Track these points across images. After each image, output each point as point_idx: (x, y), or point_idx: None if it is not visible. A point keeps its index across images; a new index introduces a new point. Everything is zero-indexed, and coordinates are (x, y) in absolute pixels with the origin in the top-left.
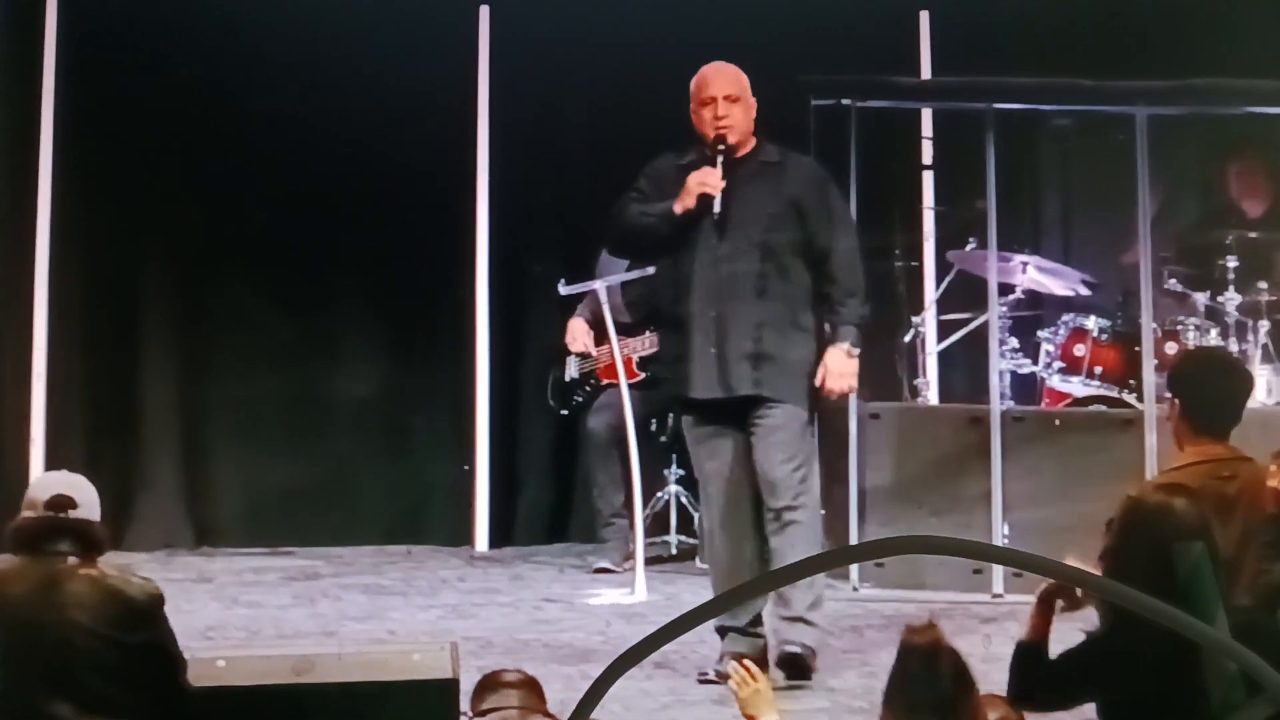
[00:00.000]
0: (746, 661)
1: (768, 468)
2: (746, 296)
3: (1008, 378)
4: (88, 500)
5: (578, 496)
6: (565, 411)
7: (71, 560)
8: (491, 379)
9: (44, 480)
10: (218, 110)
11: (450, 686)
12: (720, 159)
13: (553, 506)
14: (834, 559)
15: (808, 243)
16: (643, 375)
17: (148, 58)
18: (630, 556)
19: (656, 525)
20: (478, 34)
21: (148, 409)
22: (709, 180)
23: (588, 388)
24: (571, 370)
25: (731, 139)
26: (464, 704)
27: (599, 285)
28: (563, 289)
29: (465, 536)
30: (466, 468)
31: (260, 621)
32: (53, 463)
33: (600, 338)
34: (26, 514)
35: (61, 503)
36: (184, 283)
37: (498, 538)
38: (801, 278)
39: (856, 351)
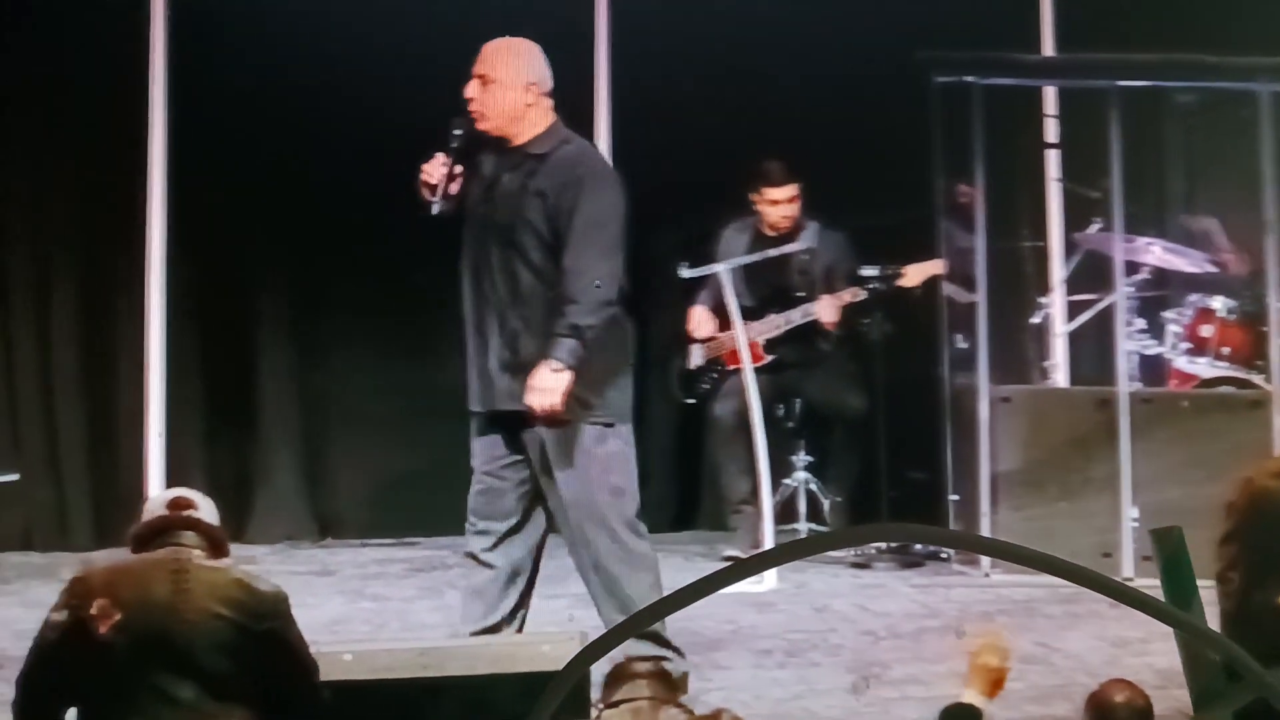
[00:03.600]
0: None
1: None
2: (502, 301)
3: (1135, 359)
4: (206, 506)
5: (704, 484)
6: (691, 400)
7: (196, 552)
8: None
9: (162, 491)
10: (332, 96)
11: (581, 677)
12: (454, 145)
13: (680, 494)
14: (803, 548)
15: (554, 243)
16: (769, 358)
17: (261, 44)
18: (758, 544)
19: (785, 512)
20: (594, 16)
21: (267, 400)
22: (426, 169)
23: (714, 374)
24: (695, 358)
25: (480, 124)
26: (594, 695)
27: (720, 269)
28: (684, 273)
29: None
30: None
31: (385, 615)
32: (173, 456)
33: (724, 323)
34: (147, 517)
35: (182, 504)
36: (302, 273)
37: None
38: (555, 282)
39: (561, 366)
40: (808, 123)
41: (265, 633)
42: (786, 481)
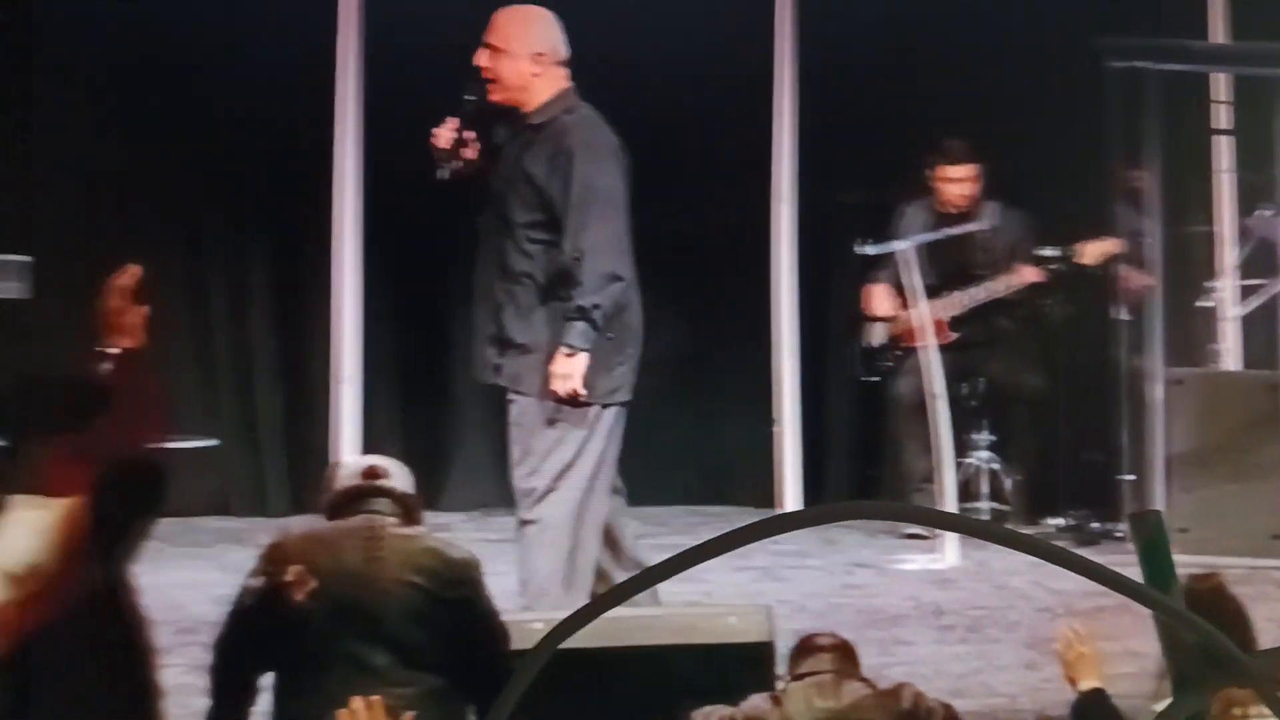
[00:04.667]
0: (1075, 624)
1: (511, 472)
2: (492, 274)
3: None
4: (400, 474)
5: (886, 461)
6: (872, 378)
7: (390, 520)
8: (798, 341)
9: (356, 459)
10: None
11: (766, 650)
12: (465, 108)
13: (861, 471)
14: (771, 526)
15: (549, 219)
16: (954, 336)
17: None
18: None
19: (966, 491)
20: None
21: (460, 369)
22: (435, 133)
23: (895, 353)
24: (876, 336)
25: (492, 93)
26: (779, 667)
27: (902, 246)
28: (864, 250)
29: (775, 499)
30: (775, 428)
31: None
32: (369, 423)
33: (904, 300)
34: (341, 485)
35: (376, 472)
36: None
37: (808, 501)
38: (545, 258)
39: (573, 350)
40: (986, 101)
41: (457, 600)
42: (967, 460)
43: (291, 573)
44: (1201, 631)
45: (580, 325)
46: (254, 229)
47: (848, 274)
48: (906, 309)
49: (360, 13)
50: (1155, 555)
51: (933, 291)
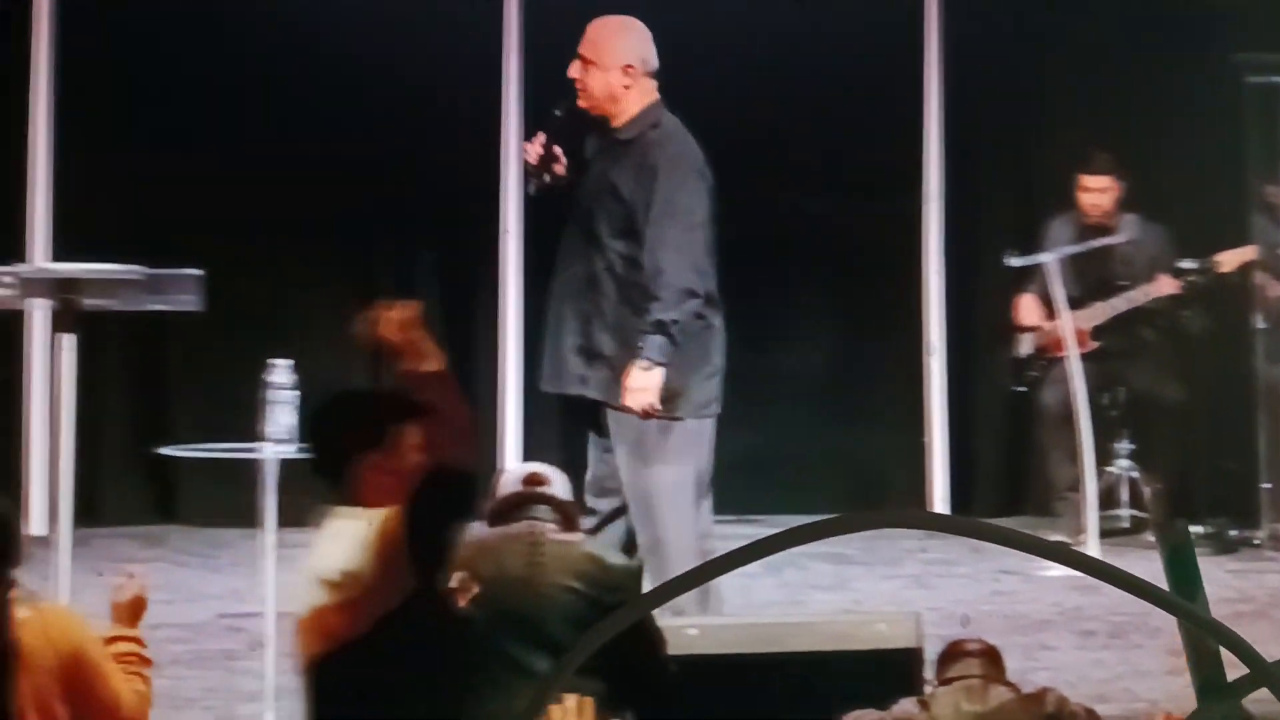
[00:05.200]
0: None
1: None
2: (579, 285)
3: None
4: (561, 481)
5: (1033, 469)
6: (1020, 388)
7: (550, 527)
8: (945, 350)
9: (518, 466)
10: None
11: (914, 656)
12: (554, 125)
13: (1008, 479)
14: (786, 539)
15: (633, 233)
16: (1095, 345)
17: None
18: (1081, 531)
19: (1108, 499)
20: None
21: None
22: (526, 147)
23: (1041, 362)
24: (1024, 346)
25: (582, 103)
26: (927, 673)
27: (1048, 258)
28: (1012, 262)
29: (924, 506)
30: (925, 440)
31: (729, 590)
32: (529, 431)
33: (1049, 311)
34: (503, 492)
35: (536, 479)
36: None
37: (956, 510)
38: (628, 271)
39: (650, 363)
40: (1125, 117)
41: (615, 606)
42: (1109, 469)
43: (455, 578)
44: (1227, 639)
45: (658, 339)
46: (423, 248)
47: (995, 285)
48: (1051, 320)
49: (520, 31)
50: (1181, 563)
51: (1075, 302)
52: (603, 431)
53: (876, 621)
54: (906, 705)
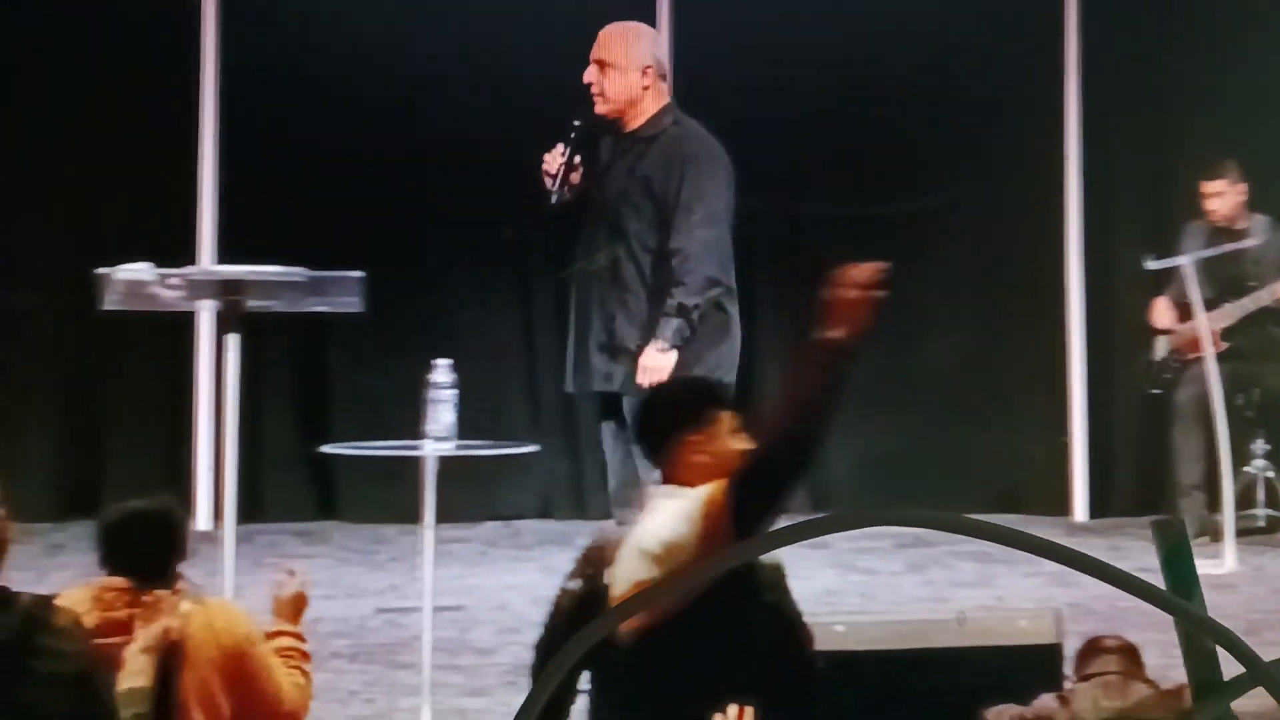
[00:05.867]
0: None
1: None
2: (604, 284)
3: None
4: None
5: (1169, 470)
6: (1156, 390)
7: None
8: (1085, 352)
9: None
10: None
11: (1054, 652)
12: (573, 133)
13: (1147, 479)
14: (790, 535)
15: (661, 224)
16: (1225, 346)
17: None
18: (1205, 530)
19: (1245, 498)
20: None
21: (764, 383)
22: (546, 159)
23: (1176, 364)
24: (1159, 349)
25: (600, 108)
26: (1067, 669)
27: (1184, 261)
28: (1150, 265)
29: (1064, 507)
30: (1063, 439)
31: (874, 587)
32: None
33: (1182, 314)
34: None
35: None
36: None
37: (1097, 508)
38: (656, 264)
39: (666, 345)
40: (1252, 119)
41: (773, 604)
42: (1246, 469)
43: (608, 575)
44: (1224, 638)
45: (676, 323)
46: (571, 239)
47: (1134, 287)
48: (1183, 322)
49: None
50: (1178, 562)
51: (1206, 304)
52: (625, 425)
53: (1018, 618)
54: (1046, 701)
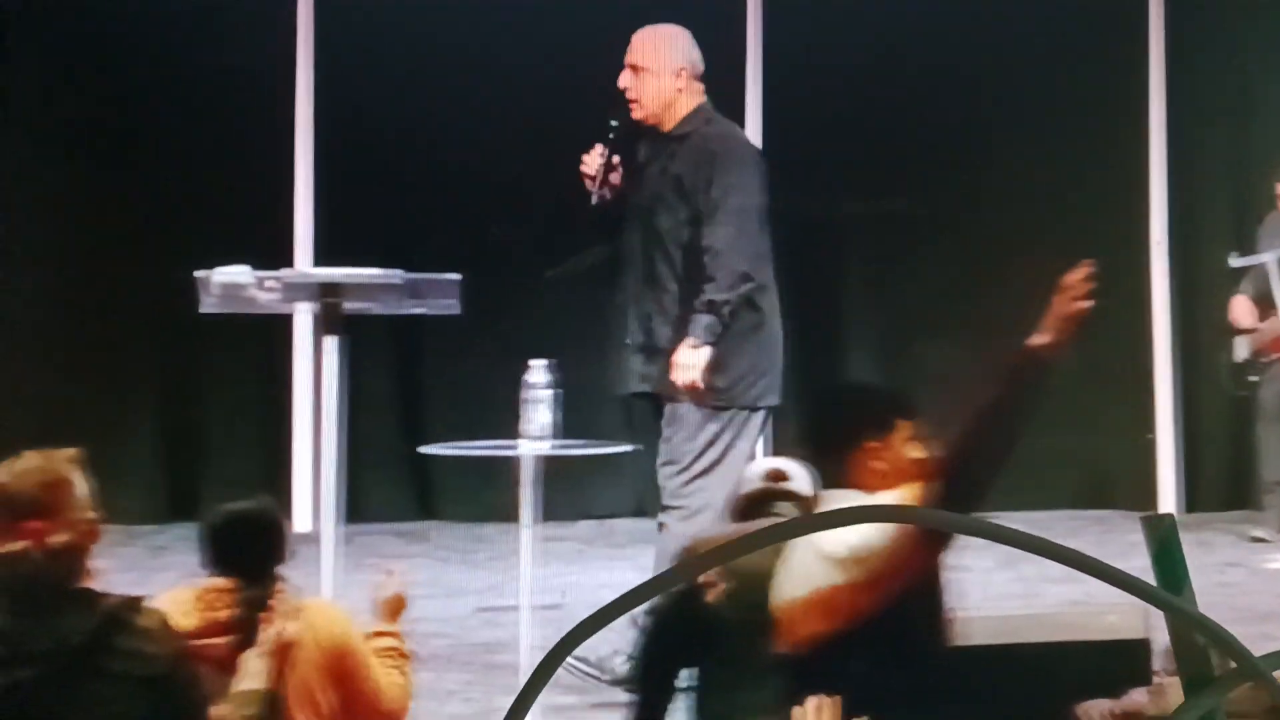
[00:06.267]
0: None
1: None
2: (639, 285)
3: None
4: (800, 476)
5: (1254, 466)
6: (1241, 394)
7: None
8: (1171, 349)
9: (761, 461)
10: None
11: (1144, 647)
12: (611, 134)
13: (1233, 475)
14: (787, 530)
15: (694, 223)
16: None
17: None
18: None
19: None
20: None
21: (856, 373)
22: (585, 160)
23: (1261, 362)
24: (1239, 350)
25: (635, 113)
26: (1157, 663)
27: (1267, 258)
28: (1233, 262)
29: (1151, 503)
30: (1150, 436)
31: (967, 584)
32: (777, 426)
33: (1264, 312)
34: (747, 488)
35: (779, 475)
36: (884, 255)
37: (1190, 504)
38: (690, 262)
39: (699, 342)
40: None
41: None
42: None
43: (706, 575)
44: (1213, 633)
45: (707, 319)
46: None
47: (1217, 284)
48: (1264, 320)
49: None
50: (1168, 557)
51: None
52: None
53: (1107, 613)
54: (1137, 696)
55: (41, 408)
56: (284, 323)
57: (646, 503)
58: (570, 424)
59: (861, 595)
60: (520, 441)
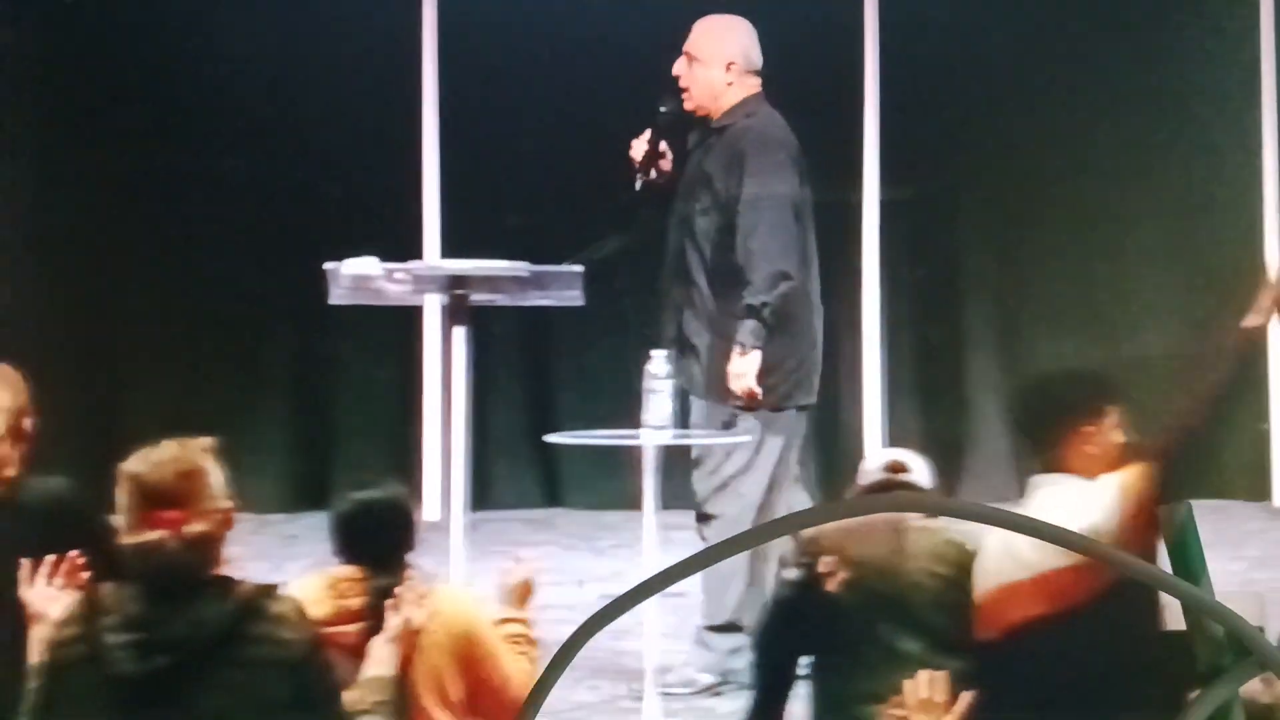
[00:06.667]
0: None
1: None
2: (674, 278)
3: None
4: (919, 468)
5: None
6: None
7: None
8: None
9: (879, 452)
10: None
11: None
12: (659, 122)
13: None
14: (783, 526)
15: (725, 221)
16: None
17: None
18: None
19: None
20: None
21: (976, 366)
22: (633, 144)
23: None
24: None
25: (687, 102)
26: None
27: None
28: None
29: (1265, 492)
30: (1264, 427)
31: None
32: (893, 418)
33: None
34: (866, 479)
35: (898, 466)
36: (1003, 259)
37: None
38: (720, 259)
39: (745, 348)
40: None
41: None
42: None
43: (825, 564)
44: (1230, 622)
45: (751, 324)
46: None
47: None
48: None
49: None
50: (1185, 546)
51: None
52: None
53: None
54: (1253, 684)
55: (175, 397)
56: (413, 313)
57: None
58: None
59: (1083, 578)
60: (642, 430)
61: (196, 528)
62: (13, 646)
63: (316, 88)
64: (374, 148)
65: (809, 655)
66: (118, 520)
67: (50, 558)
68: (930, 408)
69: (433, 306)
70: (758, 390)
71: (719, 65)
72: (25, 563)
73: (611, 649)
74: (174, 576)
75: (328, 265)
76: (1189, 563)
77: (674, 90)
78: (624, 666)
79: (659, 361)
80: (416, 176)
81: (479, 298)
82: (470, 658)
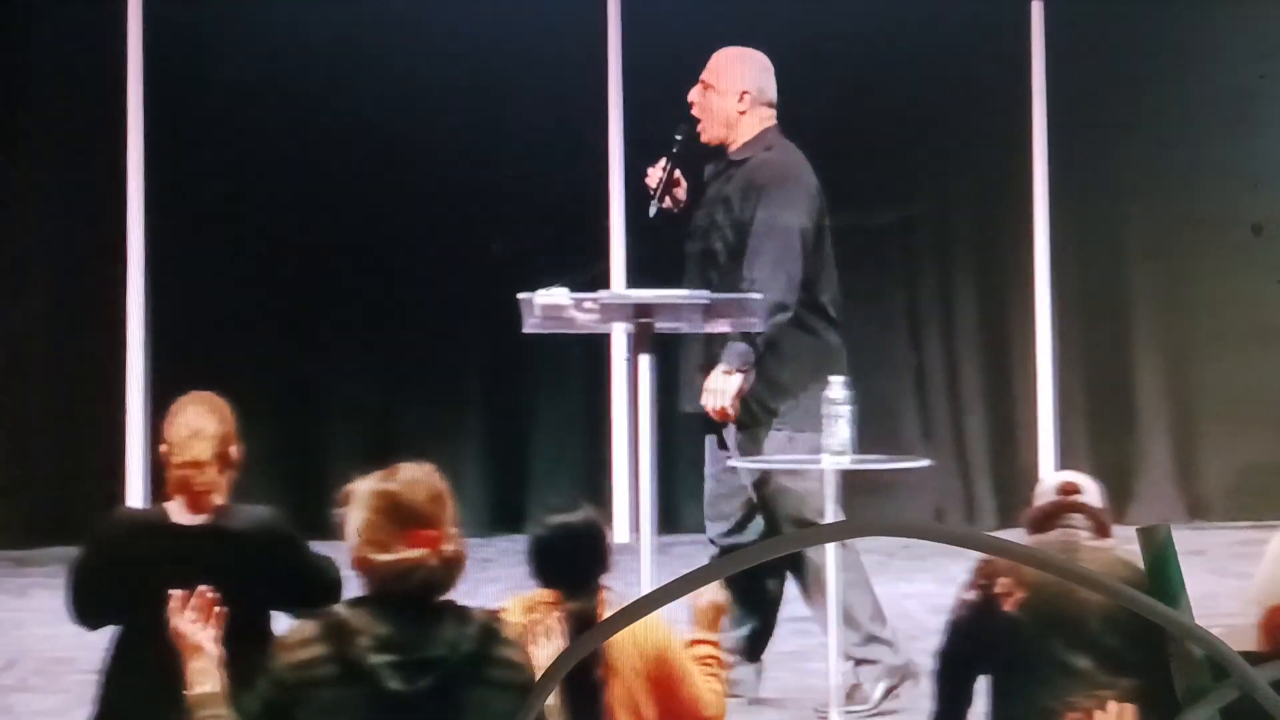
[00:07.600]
0: None
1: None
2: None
3: None
4: (1091, 489)
5: None
6: None
7: (1083, 535)
8: None
9: (1052, 475)
10: None
11: None
12: (675, 148)
13: None
14: (796, 541)
15: (741, 249)
16: None
17: None
18: None
19: None
20: None
21: (1147, 391)
22: (649, 172)
23: None
24: None
25: (704, 136)
26: None
27: None
28: None
29: None
30: None
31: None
32: (1063, 441)
33: None
34: (1040, 502)
35: (1071, 489)
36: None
37: None
38: (734, 288)
39: (730, 368)
40: None
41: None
42: None
43: (1001, 585)
44: (1208, 644)
45: (740, 346)
46: (961, 259)
47: None
48: None
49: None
50: (1164, 568)
51: None
52: (725, 445)
53: None
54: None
55: (374, 423)
56: (604, 341)
57: (944, 516)
58: (872, 439)
59: None
60: (822, 455)
61: (450, 547)
62: (159, 672)
63: (503, 124)
64: (562, 184)
65: (987, 674)
66: (351, 542)
67: (184, 592)
68: (1102, 430)
69: (619, 335)
70: (730, 411)
71: (732, 94)
72: (176, 594)
73: (797, 669)
74: (427, 596)
75: (521, 295)
76: (1168, 585)
77: (688, 118)
78: (809, 688)
79: (836, 387)
80: (604, 208)
81: (663, 325)
82: (663, 679)
